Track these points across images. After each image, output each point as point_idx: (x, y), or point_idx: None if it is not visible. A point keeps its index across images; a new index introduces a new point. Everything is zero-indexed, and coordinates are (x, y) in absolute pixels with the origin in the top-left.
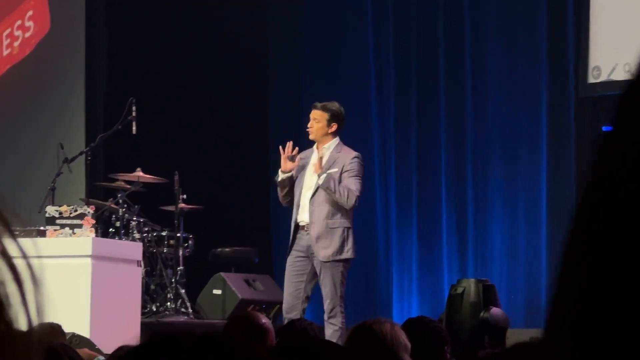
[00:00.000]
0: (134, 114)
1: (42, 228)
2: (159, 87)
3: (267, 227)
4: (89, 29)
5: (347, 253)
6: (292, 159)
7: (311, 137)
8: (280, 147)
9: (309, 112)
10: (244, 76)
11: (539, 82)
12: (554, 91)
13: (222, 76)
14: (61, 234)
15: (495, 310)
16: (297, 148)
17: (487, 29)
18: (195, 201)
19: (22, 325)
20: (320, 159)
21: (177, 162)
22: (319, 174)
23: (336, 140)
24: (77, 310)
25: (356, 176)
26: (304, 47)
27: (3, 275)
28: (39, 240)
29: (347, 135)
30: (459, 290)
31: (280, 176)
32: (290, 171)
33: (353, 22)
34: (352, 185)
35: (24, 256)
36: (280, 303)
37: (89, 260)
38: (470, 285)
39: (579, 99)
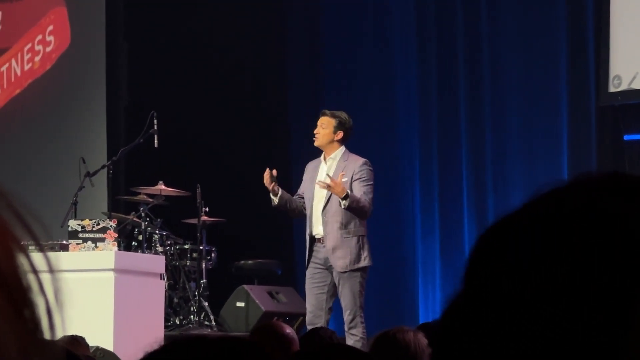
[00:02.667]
0: (155, 127)
1: (64, 242)
2: (181, 100)
3: (289, 239)
4: (109, 43)
5: (364, 261)
6: (273, 178)
7: (316, 143)
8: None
9: None
10: (265, 90)
11: (559, 91)
12: (574, 100)
13: (243, 90)
14: (84, 247)
15: None
16: (274, 170)
17: (506, 39)
18: (217, 214)
19: (47, 337)
20: (327, 186)
21: (199, 175)
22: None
23: (342, 149)
24: (100, 324)
25: (367, 184)
26: (324, 61)
27: (33, 289)
28: (62, 254)
29: (371, 147)
30: None
31: (273, 200)
32: (275, 192)
33: (373, 35)
34: (365, 195)
35: (51, 270)
36: (304, 315)
37: (111, 274)
38: None
39: (600, 108)
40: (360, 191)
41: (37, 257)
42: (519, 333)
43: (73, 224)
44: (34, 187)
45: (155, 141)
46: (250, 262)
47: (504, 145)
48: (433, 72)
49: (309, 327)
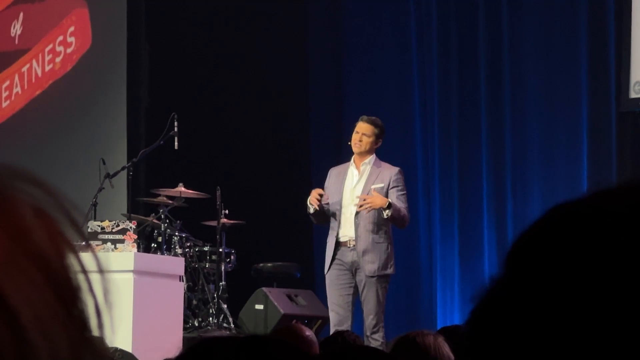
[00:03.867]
0: (175, 129)
1: (89, 242)
2: (201, 102)
3: (309, 242)
4: (131, 44)
5: (391, 269)
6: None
7: (358, 150)
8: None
9: (350, 129)
10: (286, 92)
11: (579, 97)
12: (594, 106)
13: (264, 92)
14: (103, 249)
15: None
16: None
17: (527, 44)
18: (237, 216)
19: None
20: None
21: (219, 177)
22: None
23: (374, 155)
24: (119, 326)
25: (403, 193)
26: (345, 64)
27: (82, 289)
28: (86, 255)
29: (390, 151)
30: None
31: (310, 208)
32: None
33: (394, 40)
34: (402, 204)
35: (101, 270)
36: (323, 318)
37: (131, 276)
38: None
39: (620, 113)
40: (397, 200)
41: (86, 257)
42: (569, 329)
43: (93, 225)
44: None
45: (176, 143)
46: (269, 264)
47: (524, 151)
48: (453, 76)
49: (335, 329)
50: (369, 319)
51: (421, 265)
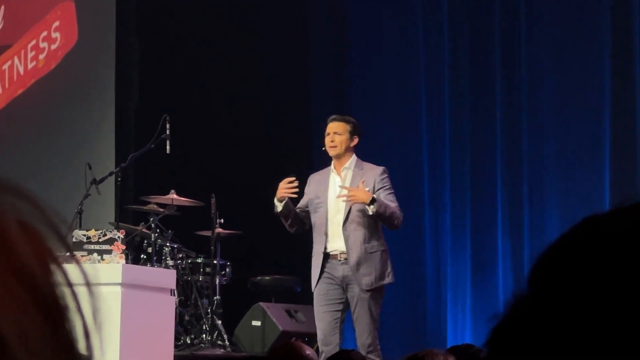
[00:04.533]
0: (167, 132)
1: (75, 255)
2: (195, 103)
3: (309, 254)
4: (120, 40)
5: (388, 277)
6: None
7: (334, 152)
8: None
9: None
10: (285, 94)
11: (602, 100)
12: (617, 110)
13: (262, 92)
14: (89, 260)
15: None
16: (294, 177)
17: (545, 43)
18: (233, 226)
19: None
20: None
21: (214, 184)
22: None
23: (354, 157)
24: (106, 343)
25: (391, 192)
26: (348, 68)
27: (70, 308)
28: (73, 268)
29: (395, 156)
30: None
31: (277, 206)
32: (283, 199)
33: (399, 38)
34: (392, 203)
35: (88, 285)
36: None
37: (118, 289)
38: None
39: None
40: (386, 200)
41: (73, 271)
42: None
43: (78, 234)
44: (36, 194)
45: (168, 147)
46: (267, 277)
47: (542, 156)
48: (465, 77)
49: (322, 348)
50: (363, 338)
51: (428, 279)
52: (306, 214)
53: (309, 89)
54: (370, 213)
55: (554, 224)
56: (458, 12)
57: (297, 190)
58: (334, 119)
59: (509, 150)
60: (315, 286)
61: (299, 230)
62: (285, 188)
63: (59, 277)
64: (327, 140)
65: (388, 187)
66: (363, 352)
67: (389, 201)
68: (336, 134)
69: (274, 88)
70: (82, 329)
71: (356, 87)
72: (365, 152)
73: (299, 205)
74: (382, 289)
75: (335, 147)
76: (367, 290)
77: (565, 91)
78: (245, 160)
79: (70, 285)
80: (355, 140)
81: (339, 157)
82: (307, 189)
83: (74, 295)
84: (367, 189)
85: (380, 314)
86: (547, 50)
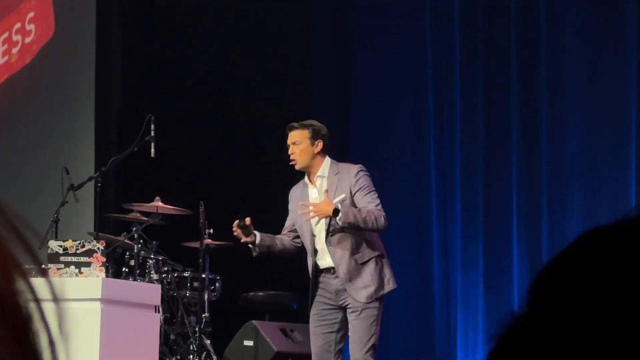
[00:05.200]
0: (152, 133)
1: (43, 266)
2: (183, 103)
3: (305, 269)
4: (100, 32)
5: (389, 284)
6: (245, 228)
7: (298, 166)
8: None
9: (357, 138)
10: (281, 94)
11: (628, 101)
12: None
13: (256, 92)
14: (65, 273)
15: None
16: (247, 218)
17: (567, 37)
18: (223, 237)
19: None
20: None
21: (203, 191)
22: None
23: (327, 161)
24: None
25: (370, 192)
26: (353, 64)
27: (34, 318)
28: (39, 280)
29: (402, 162)
30: None
31: (254, 251)
32: (251, 241)
33: (407, 35)
34: (371, 204)
35: (55, 297)
36: None
37: (98, 305)
38: None
39: None
40: (364, 202)
41: (39, 283)
42: None
43: (53, 245)
44: (8, 202)
45: (152, 150)
46: (260, 293)
47: (562, 162)
48: (480, 75)
49: None
50: (355, 352)
51: (436, 297)
52: (295, 232)
53: (307, 90)
54: (339, 226)
55: (576, 231)
56: (470, 14)
57: (249, 231)
58: (289, 128)
59: (525, 154)
60: (310, 306)
61: (295, 253)
62: (240, 235)
63: (22, 286)
64: (289, 154)
65: (365, 186)
66: None
67: (367, 203)
68: (294, 145)
69: (269, 87)
70: (46, 339)
71: (359, 85)
72: (369, 160)
73: (286, 226)
74: (382, 298)
75: (296, 161)
76: (368, 303)
77: (588, 89)
78: (237, 165)
79: (34, 294)
80: (320, 145)
81: (307, 167)
82: (290, 206)
83: (38, 305)
84: (342, 195)
85: (382, 330)
86: (569, 43)
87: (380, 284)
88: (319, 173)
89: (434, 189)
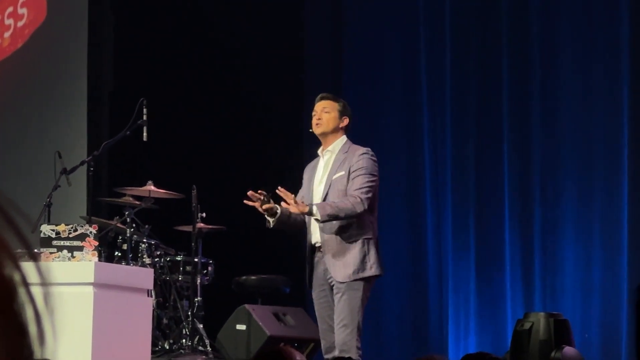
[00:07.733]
0: (145, 117)
1: (35, 251)
2: (176, 87)
3: (299, 252)
4: (93, 16)
5: (371, 270)
6: (266, 200)
7: (319, 130)
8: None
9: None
10: (276, 77)
11: (620, 92)
12: (636, 103)
13: (250, 75)
14: (58, 257)
15: (568, 350)
16: (261, 191)
17: (560, 28)
18: (215, 221)
19: (36, 344)
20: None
21: (195, 175)
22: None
23: (343, 139)
24: (77, 348)
25: (364, 174)
26: (346, 52)
27: (25, 304)
28: (28, 264)
29: (394, 148)
30: (526, 325)
31: (271, 222)
32: (273, 212)
33: (399, 27)
34: (357, 189)
35: (44, 283)
36: (315, 341)
37: (90, 289)
38: (539, 320)
39: None
40: (354, 185)
41: (27, 265)
42: None
43: (46, 229)
44: (0, 186)
45: (145, 134)
46: (253, 277)
47: (555, 150)
48: (471, 63)
49: (325, 356)
50: (337, 334)
51: (429, 281)
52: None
53: (304, 73)
54: (321, 221)
55: (570, 219)
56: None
57: (268, 200)
58: (323, 97)
59: (517, 136)
60: (310, 286)
61: (303, 228)
62: (259, 206)
63: (9, 269)
64: (314, 119)
65: (361, 168)
66: (336, 352)
67: (356, 185)
68: (324, 112)
69: (263, 72)
70: (32, 312)
71: (352, 69)
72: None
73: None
74: (364, 280)
75: (321, 123)
76: (342, 283)
77: (581, 80)
78: (230, 148)
79: (22, 277)
80: (345, 121)
81: (325, 135)
82: (303, 181)
83: (23, 278)
84: (342, 173)
85: (374, 314)
86: (562, 34)
87: (361, 267)
88: (329, 148)
89: (427, 174)
